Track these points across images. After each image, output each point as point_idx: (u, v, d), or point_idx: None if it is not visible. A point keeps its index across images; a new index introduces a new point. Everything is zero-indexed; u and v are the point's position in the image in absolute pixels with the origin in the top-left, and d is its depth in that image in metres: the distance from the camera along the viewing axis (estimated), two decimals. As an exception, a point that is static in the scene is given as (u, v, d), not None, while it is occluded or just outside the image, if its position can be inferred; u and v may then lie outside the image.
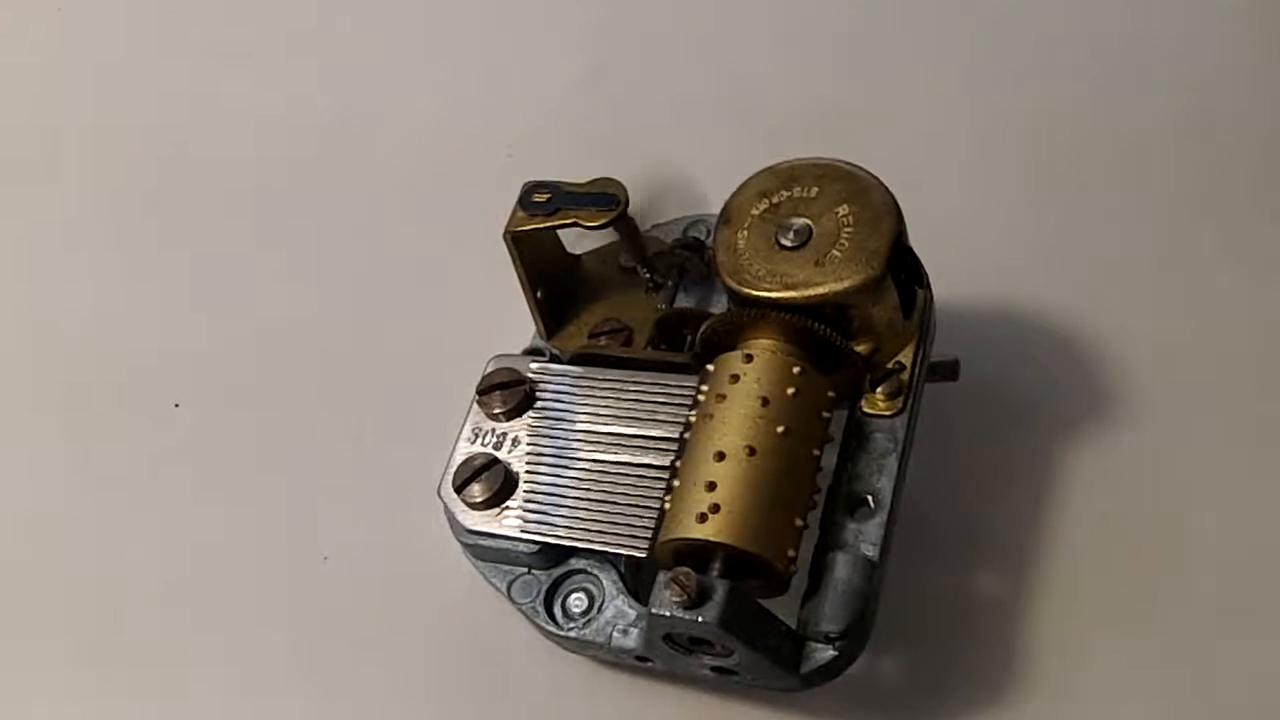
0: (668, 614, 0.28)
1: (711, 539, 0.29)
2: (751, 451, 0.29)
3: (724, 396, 0.30)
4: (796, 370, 0.30)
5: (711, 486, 0.29)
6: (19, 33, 0.48)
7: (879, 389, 0.32)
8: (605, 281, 0.37)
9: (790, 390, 0.30)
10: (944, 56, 0.43)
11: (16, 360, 0.40)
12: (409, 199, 0.42)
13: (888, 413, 0.32)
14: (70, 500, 0.37)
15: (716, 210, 0.37)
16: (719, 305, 0.35)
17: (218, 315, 0.40)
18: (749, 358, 0.31)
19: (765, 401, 0.30)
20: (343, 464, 0.37)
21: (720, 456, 0.29)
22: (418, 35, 0.46)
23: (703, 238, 0.36)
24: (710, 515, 0.29)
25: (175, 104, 0.45)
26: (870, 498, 0.31)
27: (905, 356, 0.32)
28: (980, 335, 0.36)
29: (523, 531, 0.32)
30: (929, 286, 0.33)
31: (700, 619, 0.27)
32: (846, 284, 0.31)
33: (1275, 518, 0.33)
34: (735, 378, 0.30)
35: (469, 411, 0.34)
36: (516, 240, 0.34)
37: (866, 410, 0.32)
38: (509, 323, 0.36)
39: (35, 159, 0.45)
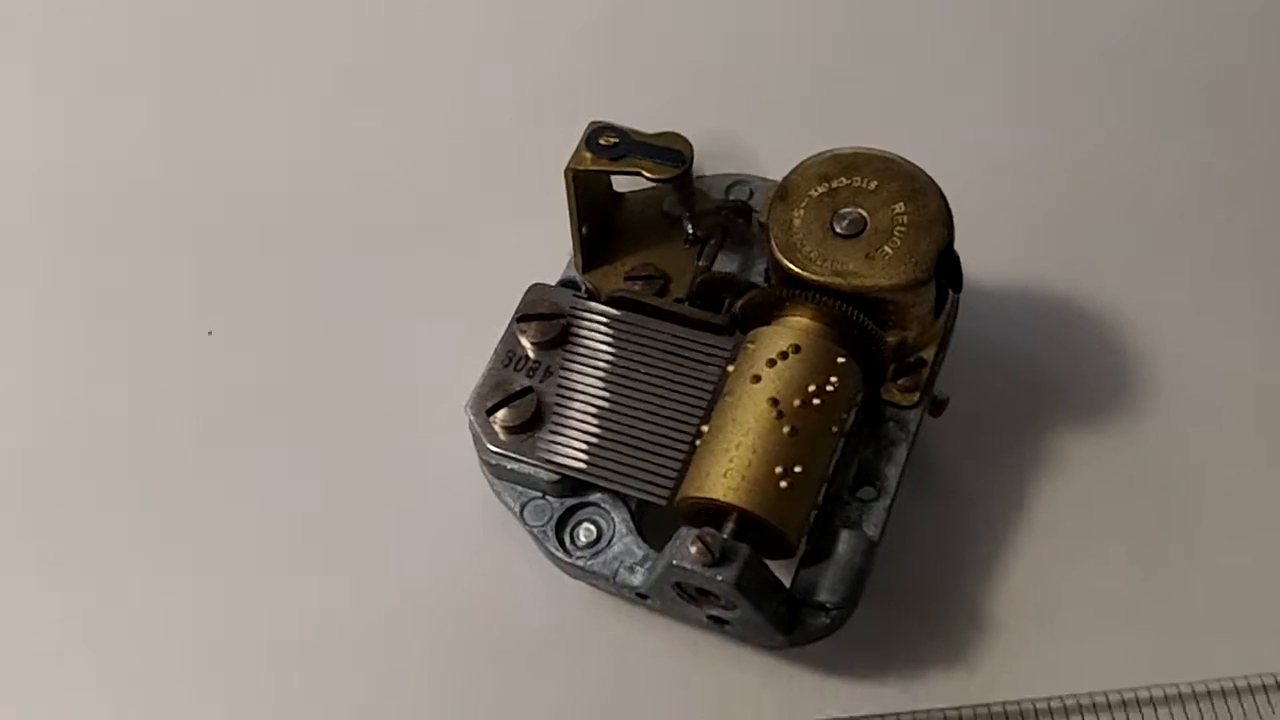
0: (688, 567, 0.30)
1: (736, 504, 0.30)
2: (782, 428, 0.31)
3: (761, 371, 0.32)
4: (837, 358, 0.32)
5: (741, 454, 0.31)
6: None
7: (899, 380, 0.34)
8: (646, 225, 0.38)
9: (828, 375, 0.32)
10: (981, 36, 0.44)
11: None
12: (445, 135, 0.43)
13: (903, 404, 0.34)
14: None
15: (751, 170, 0.39)
16: (757, 270, 0.36)
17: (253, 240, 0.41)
18: (791, 340, 0.32)
19: (803, 382, 0.32)
20: (376, 373, 0.38)
21: (751, 427, 0.31)
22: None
23: (745, 199, 0.38)
24: (736, 481, 0.31)
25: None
26: (877, 482, 0.33)
27: (927, 353, 0.34)
28: (1000, 313, 0.38)
29: (546, 461, 0.33)
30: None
31: (719, 578, 0.29)
32: (893, 281, 0.32)
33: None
34: (775, 356, 0.32)
35: (504, 335, 0.35)
36: (576, 177, 0.35)
37: (883, 398, 0.34)
38: (539, 255, 0.38)
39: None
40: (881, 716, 0.32)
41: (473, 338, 0.36)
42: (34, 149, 0.43)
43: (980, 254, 0.36)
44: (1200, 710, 0.31)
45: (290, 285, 0.40)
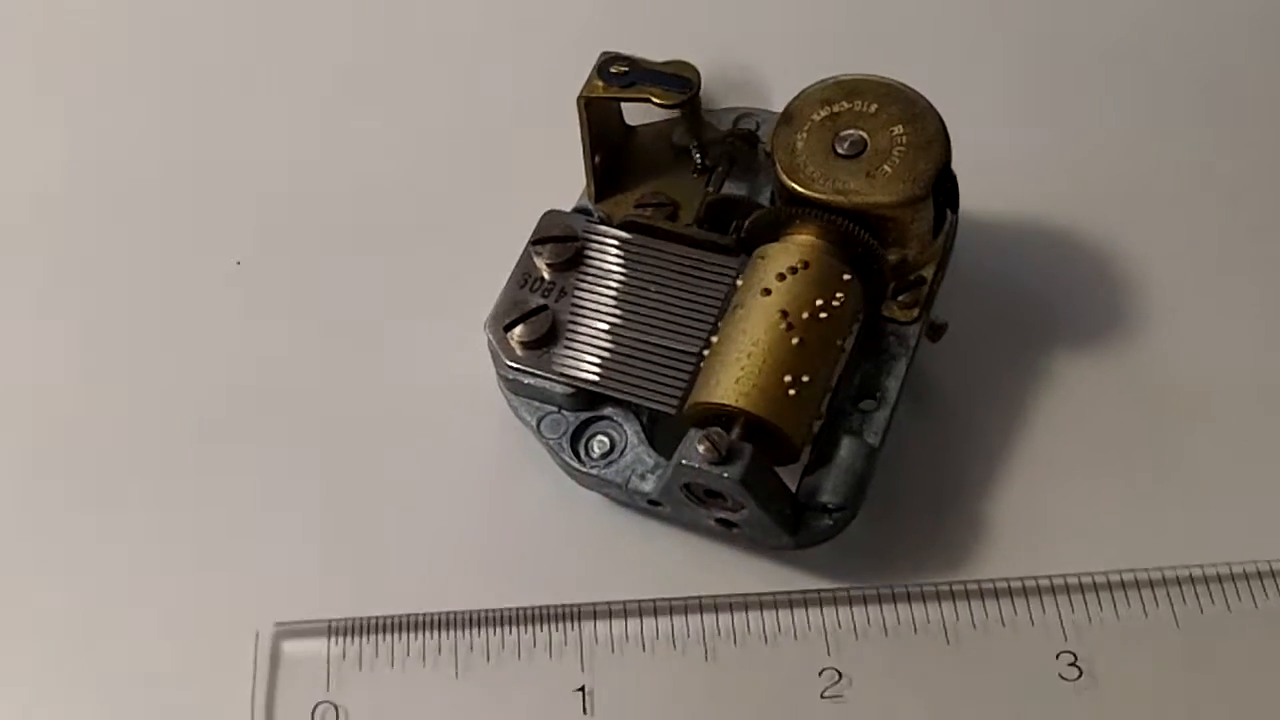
0: (696, 465, 0.31)
1: (745, 408, 0.32)
2: (791, 339, 0.32)
3: (771, 284, 0.33)
4: (842, 274, 0.33)
5: (752, 362, 0.32)
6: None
7: (899, 297, 0.35)
8: (657, 156, 0.39)
9: (834, 291, 0.33)
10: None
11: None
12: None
13: (903, 320, 0.35)
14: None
15: (764, 105, 0.41)
16: (763, 198, 0.38)
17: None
18: (800, 256, 0.33)
19: (810, 296, 0.33)
20: (403, 295, 0.40)
21: (761, 337, 0.33)
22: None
23: (753, 129, 0.39)
24: (747, 387, 0.32)
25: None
26: (877, 394, 0.34)
27: (927, 272, 0.36)
28: (1002, 247, 0.40)
29: (561, 375, 0.35)
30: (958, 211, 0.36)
31: (725, 475, 0.31)
32: (892, 198, 0.34)
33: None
34: (785, 271, 0.33)
35: (519, 258, 0.37)
36: (588, 105, 0.37)
37: (884, 315, 0.35)
38: (556, 185, 0.39)
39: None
40: (890, 585, 0.33)
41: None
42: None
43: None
44: (1197, 593, 0.32)
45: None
